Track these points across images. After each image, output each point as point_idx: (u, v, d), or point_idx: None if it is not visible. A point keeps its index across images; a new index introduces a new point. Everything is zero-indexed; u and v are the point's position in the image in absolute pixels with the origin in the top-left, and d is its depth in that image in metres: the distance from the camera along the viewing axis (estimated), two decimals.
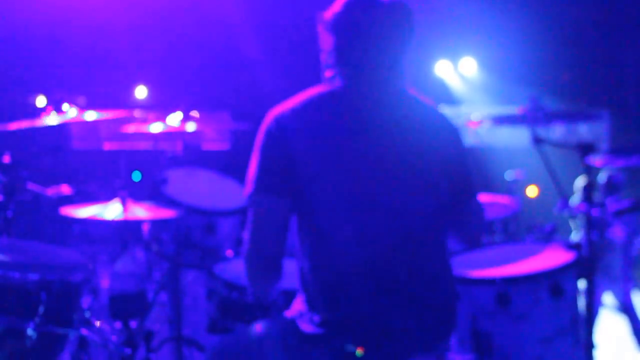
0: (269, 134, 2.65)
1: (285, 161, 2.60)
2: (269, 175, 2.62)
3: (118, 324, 3.81)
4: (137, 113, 4.23)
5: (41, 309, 3.13)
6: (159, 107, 10.05)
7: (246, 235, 2.68)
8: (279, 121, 2.64)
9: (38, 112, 10.27)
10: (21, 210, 3.91)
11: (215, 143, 7.69)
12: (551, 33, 8.54)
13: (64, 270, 3.28)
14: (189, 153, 4.53)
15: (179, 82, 9.99)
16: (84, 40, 8.64)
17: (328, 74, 2.75)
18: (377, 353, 2.61)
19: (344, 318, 2.62)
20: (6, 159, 3.88)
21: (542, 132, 4.20)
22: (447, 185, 2.73)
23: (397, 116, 2.69)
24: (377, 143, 2.63)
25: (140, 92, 10.79)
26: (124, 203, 3.77)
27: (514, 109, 4.24)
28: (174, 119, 4.18)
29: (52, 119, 3.85)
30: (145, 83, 10.50)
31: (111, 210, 3.83)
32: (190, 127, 4.27)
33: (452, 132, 2.80)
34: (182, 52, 9.10)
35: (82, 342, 3.33)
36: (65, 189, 4.01)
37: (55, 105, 3.86)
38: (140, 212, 3.83)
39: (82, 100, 4.03)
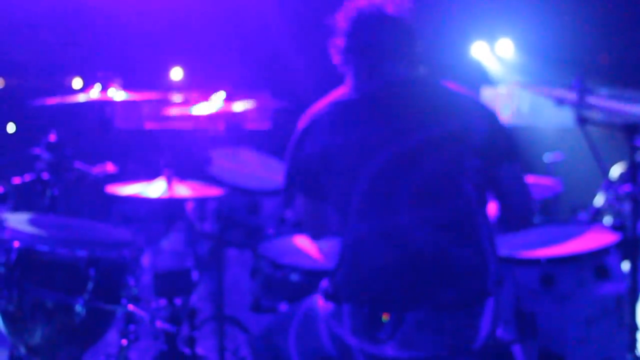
0: (301, 133, 2.79)
1: (315, 160, 2.74)
2: (299, 174, 2.80)
3: (162, 301, 3.85)
4: (176, 96, 4.24)
5: (90, 286, 3.17)
6: (199, 88, 10.14)
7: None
8: (311, 121, 2.78)
9: (77, 93, 10.39)
10: (67, 188, 3.94)
11: (257, 122, 7.71)
12: (589, 14, 8.44)
13: (112, 247, 3.31)
14: (231, 133, 4.55)
15: (215, 63, 10.03)
16: (119, 22, 8.68)
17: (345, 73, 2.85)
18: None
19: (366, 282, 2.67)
20: (52, 137, 3.91)
21: (586, 112, 4.17)
22: (484, 167, 2.71)
23: (421, 106, 2.74)
24: (404, 136, 2.68)
25: (176, 73, 10.85)
26: (169, 181, 3.79)
27: (557, 90, 4.19)
28: (217, 99, 4.19)
29: (95, 95, 3.87)
30: (181, 65, 10.56)
31: (156, 189, 3.85)
32: (234, 107, 4.28)
33: (483, 114, 2.77)
34: (218, 33, 9.12)
35: (129, 318, 3.36)
36: (110, 167, 4.03)
37: (97, 83, 3.88)
38: (185, 190, 3.85)
39: (118, 81, 4.03)
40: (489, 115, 2.77)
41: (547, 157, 5.70)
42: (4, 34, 8.56)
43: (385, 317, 2.62)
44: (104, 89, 3.91)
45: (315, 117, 2.77)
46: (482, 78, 9.20)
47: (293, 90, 8.46)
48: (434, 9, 8.15)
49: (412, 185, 2.63)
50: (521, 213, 2.86)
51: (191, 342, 3.97)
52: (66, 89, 10.76)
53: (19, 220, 3.41)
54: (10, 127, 10.88)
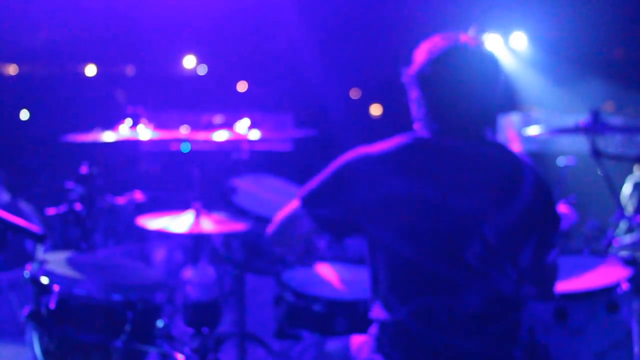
0: (348, 167, 2.66)
1: (352, 200, 2.63)
2: (326, 200, 2.66)
3: (190, 330, 4.01)
4: (216, 118, 4.34)
5: (127, 327, 3.33)
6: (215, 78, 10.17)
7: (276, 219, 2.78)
8: (362, 160, 2.65)
9: (90, 83, 10.44)
10: (99, 219, 4.08)
11: (278, 144, 7.80)
12: (604, 7, 8.47)
13: (146, 290, 3.46)
14: (253, 156, 4.66)
15: (231, 54, 10.10)
16: (133, 9, 8.73)
17: (416, 125, 2.74)
18: None
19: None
20: (83, 169, 4.05)
21: (600, 143, 4.28)
22: (532, 240, 2.68)
23: (479, 167, 2.63)
24: (457, 195, 2.58)
25: (189, 61, 10.94)
26: (197, 215, 3.93)
27: (573, 121, 4.29)
28: (241, 127, 4.31)
29: (125, 133, 4.00)
30: (194, 52, 10.63)
31: (182, 223, 4.00)
32: (256, 134, 4.40)
33: (535, 183, 2.67)
34: (234, 26, 9.19)
35: (164, 357, 3.52)
36: (139, 196, 4.18)
37: (131, 119, 4.00)
38: (211, 225, 3.99)
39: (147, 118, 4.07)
40: (541, 183, 2.70)
41: (561, 161, 5.79)
42: (17, 21, 8.63)
43: None
44: (134, 125, 4.02)
45: (373, 159, 2.63)
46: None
47: (315, 116, 8.61)
48: (448, 0, 8.21)
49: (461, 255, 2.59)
50: (548, 290, 2.98)
51: None
52: (80, 76, 10.89)
53: (57, 262, 3.56)
54: (24, 114, 11.03)
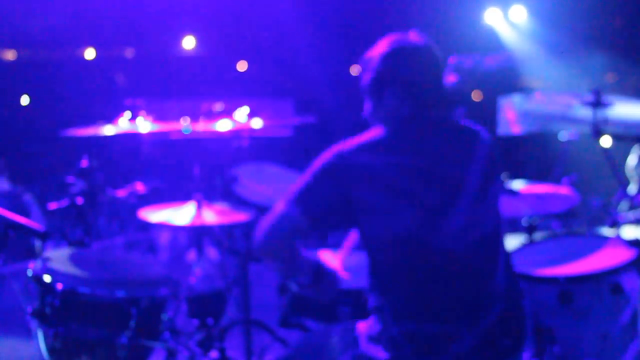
0: (330, 163, 2.75)
1: (338, 196, 2.73)
2: (314, 202, 2.72)
3: (195, 322, 4.02)
4: (216, 106, 4.30)
5: (132, 323, 3.33)
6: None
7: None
8: (342, 158, 2.75)
9: (89, 66, 10.42)
10: (100, 212, 4.08)
11: (279, 130, 7.78)
12: None
13: (151, 285, 3.46)
14: (253, 143, 4.65)
15: (230, 34, 10.04)
16: None
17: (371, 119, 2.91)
18: None
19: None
20: (84, 163, 4.04)
21: (602, 123, 4.26)
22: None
23: (446, 148, 2.81)
24: (431, 178, 2.74)
25: (189, 42, 10.87)
26: (198, 207, 3.92)
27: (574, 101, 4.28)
28: (241, 115, 4.30)
29: (124, 126, 3.98)
30: (193, 33, 10.57)
31: (184, 215, 3.99)
32: (256, 122, 4.39)
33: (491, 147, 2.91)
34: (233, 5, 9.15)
35: (170, 352, 3.52)
36: (140, 187, 4.16)
37: (126, 111, 3.98)
38: (212, 216, 3.98)
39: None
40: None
41: (563, 136, 5.77)
42: (15, 6, 8.59)
43: None
44: (133, 117, 4.00)
45: (352, 156, 2.74)
46: (494, 45, 9.22)
47: (315, 101, 8.58)
48: None
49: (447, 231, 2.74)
50: None
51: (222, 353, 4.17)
52: (80, 61, 10.83)
53: (60, 259, 3.56)
54: (24, 99, 11.00)
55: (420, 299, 2.74)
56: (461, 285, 2.75)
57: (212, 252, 4.19)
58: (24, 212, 5.22)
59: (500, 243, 2.87)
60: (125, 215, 4.71)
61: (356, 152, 2.75)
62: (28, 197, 5.61)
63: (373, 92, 2.89)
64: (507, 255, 2.94)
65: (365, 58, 2.92)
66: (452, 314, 2.74)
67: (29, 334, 3.58)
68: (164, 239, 6.00)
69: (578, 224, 4.90)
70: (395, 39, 2.89)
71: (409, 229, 2.71)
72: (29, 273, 3.47)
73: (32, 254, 3.55)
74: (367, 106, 2.93)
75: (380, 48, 2.88)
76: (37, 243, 4.58)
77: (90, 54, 10.89)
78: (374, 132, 2.83)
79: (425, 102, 2.84)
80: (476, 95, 9.98)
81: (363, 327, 2.94)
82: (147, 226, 4.92)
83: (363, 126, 2.92)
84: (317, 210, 2.72)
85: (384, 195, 2.71)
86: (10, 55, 11.03)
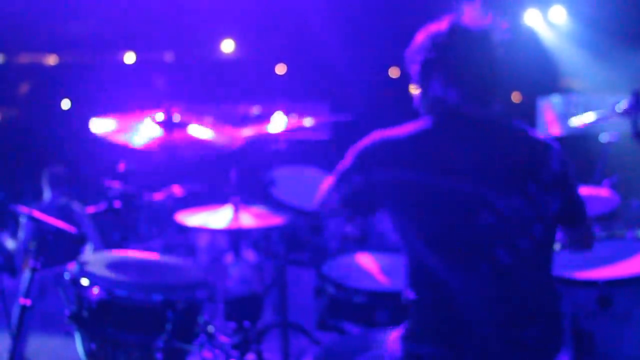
0: (365, 149, 2.71)
1: (367, 185, 2.70)
2: (348, 177, 2.73)
3: (232, 324, 4.02)
4: (254, 109, 4.30)
5: (168, 327, 3.34)
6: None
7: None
8: (378, 143, 2.70)
9: (129, 70, 10.50)
10: (139, 216, 4.10)
11: (315, 133, 7.77)
12: None
13: (187, 289, 3.47)
14: (290, 147, 4.65)
15: (269, 38, 10.06)
16: None
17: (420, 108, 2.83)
18: None
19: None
20: (121, 167, 4.07)
21: None
22: (554, 207, 2.71)
23: (487, 148, 2.67)
24: (466, 179, 2.62)
25: (228, 45, 10.93)
26: (236, 210, 3.93)
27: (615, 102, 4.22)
28: (278, 117, 4.30)
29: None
30: (232, 37, 10.62)
31: (221, 218, 4.00)
32: (293, 124, 4.38)
33: (547, 152, 2.70)
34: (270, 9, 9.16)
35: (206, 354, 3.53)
36: (177, 190, 4.18)
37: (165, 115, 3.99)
38: (250, 219, 3.99)
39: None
40: (553, 152, 2.72)
41: (604, 137, 5.70)
42: (55, 11, 8.68)
43: None
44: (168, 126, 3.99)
45: (385, 147, 2.68)
46: (534, 46, 9.14)
47: (352, 105, 8.55)
48: None
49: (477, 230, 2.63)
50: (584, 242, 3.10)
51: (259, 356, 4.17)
52: (119, 64, 10.94)
53: (97, 263, 3.59)
54: (65, 104, 11.13)
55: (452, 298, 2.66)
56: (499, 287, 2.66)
57: (249, 255, 4.19)
58: (75, 223, 5.21)
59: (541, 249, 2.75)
60: (164, 218, 4.74)
61: (392, 142, 2.69)
62: (78, 208, 5.63)
63: (421, 78, 2.78)
64: (549, 259, 2.81)
65: (418, 39, 2.78)
66: (489, 318, 2.66)
67: (68, 337, 3.61)
68: (202, 242, 6.03)
69: (618, 226, 4.82)
70: (450, 19, 2.73)
71: (438, 226, 2.63)
72: (67, 276, 3.50)
73: (72, 258, 3.56)
74: (416, 95, 2.83)
75: (433, 28, 2.75)
76: (77, 247, 4.61)
77: (130, 57, 11.00)
78: (416, 124, 2.72)
79: (471, 93, 2.70)
80: (516, 97, 9.89)
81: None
82: (185, 229, 4.94)
83: (408, 118, 2.89)
84: (346, 190, 2.75)
85: (412, 189, 2.64)
86: (51, 60, 11.17)
